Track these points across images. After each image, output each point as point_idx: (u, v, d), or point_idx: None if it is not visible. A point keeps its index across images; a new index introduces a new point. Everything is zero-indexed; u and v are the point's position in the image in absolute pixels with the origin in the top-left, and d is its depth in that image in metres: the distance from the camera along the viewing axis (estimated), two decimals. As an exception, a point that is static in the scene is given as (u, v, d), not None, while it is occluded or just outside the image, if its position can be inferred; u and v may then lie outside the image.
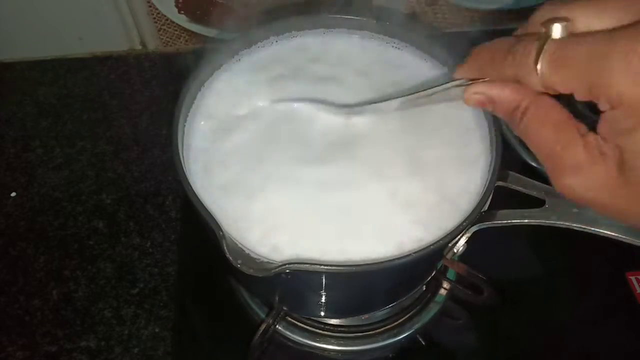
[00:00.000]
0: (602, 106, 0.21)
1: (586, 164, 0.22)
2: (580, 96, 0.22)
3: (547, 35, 0.22)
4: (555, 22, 0.22)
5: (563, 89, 0.22)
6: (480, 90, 0.26)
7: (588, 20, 0.22)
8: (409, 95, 0.33)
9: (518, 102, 0.25)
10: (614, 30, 0.21)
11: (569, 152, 0.23)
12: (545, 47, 0.22)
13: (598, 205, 0.23)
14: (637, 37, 0.19)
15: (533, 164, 0.58)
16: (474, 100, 0.27)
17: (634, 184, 0.21)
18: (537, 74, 0.22)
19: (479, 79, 0.27)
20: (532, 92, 0.24)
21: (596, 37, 0.20)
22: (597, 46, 0.20)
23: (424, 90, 0.31)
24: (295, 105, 0.42)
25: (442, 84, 0.30)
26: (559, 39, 0.22)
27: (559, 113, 0.24)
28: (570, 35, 0.22)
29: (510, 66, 0.24)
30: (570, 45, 0.21)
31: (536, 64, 0.22)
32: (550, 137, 0.24)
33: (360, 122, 0.41)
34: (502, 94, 0.25)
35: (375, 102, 0.38)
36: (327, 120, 0.41)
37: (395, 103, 0.36)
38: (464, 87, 0.28)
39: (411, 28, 0.46)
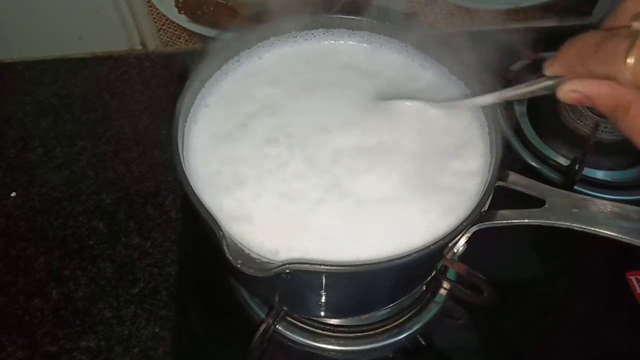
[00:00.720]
0: None
1: None
2: None
3: (638, 31, 0.21)
4: None
5: None
6: (576, 87, 0.25)
7: None
8: (503, 92, 0.35)
9: (618, 99, 0.24)
10: None
11: None
12: (636, 43, 0.21)
13: None
14: None
15: (533, 164, 0.58)
16: (570, 98, 0.26)
17: None
18: (628, 71, 0.21)
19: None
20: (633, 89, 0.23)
21: None
22: None
23: (519, 89, 0.32)
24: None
25: (537, 83, 0.30)
26: None
27: None
28: None
29: (599, 64, 0.23)
30: None
31: (626, 60, 0.21)
32: None
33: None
34: (600, 91, 0.24)
35: (471, 98, 0.39)
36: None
37: (489, 98, 0.36)
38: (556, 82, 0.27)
39: (411, 28, 0.46)
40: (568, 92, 0.26)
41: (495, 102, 0.36)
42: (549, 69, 0.28)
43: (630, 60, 0.21)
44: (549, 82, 0.28)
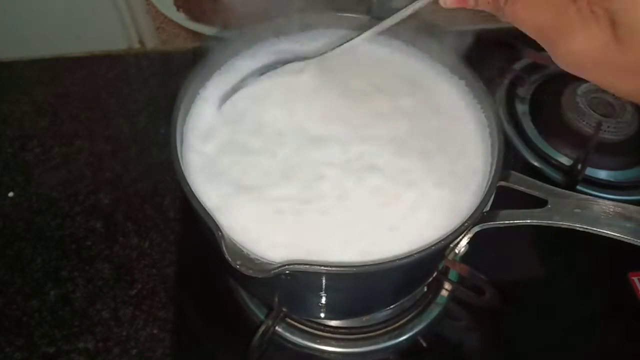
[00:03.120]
0: None
1: (580, 25, 0.23)
2: None
3: None
4: None
5: None
6: None
7: None
8: (382, 23, 0.35)
9: None
10: None
11: (562, 18, 0.23)
12: None
13: (596, 70, 0.24)
14: None
15: (535, 163, 0.58)
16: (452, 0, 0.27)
17: (624, 41, 0.22)
18: None
19: None
20: None
21: None
22: None
23: (397, 13, 0.33)
24: None
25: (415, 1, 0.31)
26: None
27: None
28: None
29: None
30: None
31: None
32: (541, 10, 0.24)
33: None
34: None
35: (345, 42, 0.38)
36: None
37: (368, 34, 0.36)
38: None
39: (412, 27, 0.46)
40: None
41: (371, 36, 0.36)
42: None
43: None
44: None
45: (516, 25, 0.25)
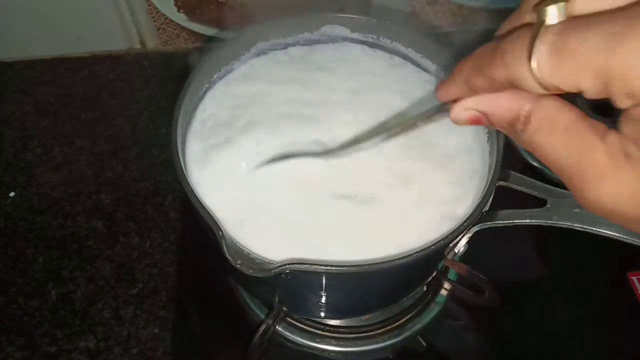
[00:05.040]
0: (622, 103, 0.17)
1: (610, 170, 0.18)
2: (592, 93, 0.18)
3: (541, 21, 0.18)
4: (550, 4, 0.18)
5: (569, 87, 0.18)
6: (469, 105, 0.23)
7: (587, 2, 0.18)
8: (392, 129, 0.32)
9: (517, 110, 0.20)
10: (630, 7, 0.17)
11: (587, 159, 0.19)
12: (539, 36, 0.18)
13: (631, 218, 0.19)
14: None
15: (534, 163, 0.58)
16: (463, 118, 0.23)
17: None
18: (530, 71, 0.18)
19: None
20: (533, 96, 0.20)
21: (611, 17, 0.17)
22: (614, 27, 0.16)
23: (407, 120, 0.30)
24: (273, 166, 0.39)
25: (426, 111, 0.27)
26: (558, 25, 0.18)
27: (569, 114, 0.20)
28: (571, 19, 0.18)
29: (500, 68, 0.19)
30: (576, 29, 0.17)
31: (529, 59, 0.18)
32: (562, 146, 0.20)
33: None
34: (496, 103, 0.21)
35: (355, 143, 0.36)
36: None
37: (377, 140, 0.34)
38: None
39: (411, 28, 0.46)
40: (461, 111, 0.23)
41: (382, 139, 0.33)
42: (442, 93, 0.24)
43: (535, 57, 0.18)
44: (441, 108, 0.25)
45: (535, 156, 0.21)
